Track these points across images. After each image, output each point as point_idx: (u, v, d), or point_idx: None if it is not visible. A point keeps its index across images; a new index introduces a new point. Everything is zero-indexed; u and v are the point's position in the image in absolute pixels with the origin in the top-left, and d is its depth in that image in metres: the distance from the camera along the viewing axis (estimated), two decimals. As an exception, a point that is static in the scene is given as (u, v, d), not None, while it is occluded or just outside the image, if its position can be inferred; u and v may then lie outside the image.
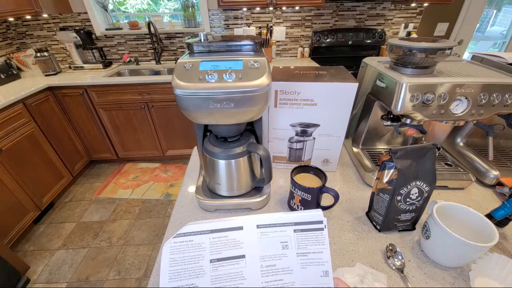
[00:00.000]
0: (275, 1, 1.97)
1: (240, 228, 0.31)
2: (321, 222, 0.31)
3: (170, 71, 2.38)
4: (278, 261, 0.30)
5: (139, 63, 2.50)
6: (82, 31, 2.21)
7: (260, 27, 2.34)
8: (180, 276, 0.29)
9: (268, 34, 2.22)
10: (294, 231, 0.31)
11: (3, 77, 1.97)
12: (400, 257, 0.52)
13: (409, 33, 2.43)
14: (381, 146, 0.86)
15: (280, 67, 0.78)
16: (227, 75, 0.49)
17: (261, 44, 0.60)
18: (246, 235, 0.31)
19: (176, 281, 0.29)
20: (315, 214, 0.31)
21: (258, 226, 0.31)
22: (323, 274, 0.30)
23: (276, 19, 2.37)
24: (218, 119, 0.53)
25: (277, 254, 0.30)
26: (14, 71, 2.07)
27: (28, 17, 2.24)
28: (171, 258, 0.29)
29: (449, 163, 0.76)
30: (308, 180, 0.62)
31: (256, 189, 0.68)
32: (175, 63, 0.58)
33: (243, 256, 0.30)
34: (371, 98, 0.75)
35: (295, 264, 0.30)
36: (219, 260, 0.30)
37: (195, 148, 0.94)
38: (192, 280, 0.29)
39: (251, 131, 0.68)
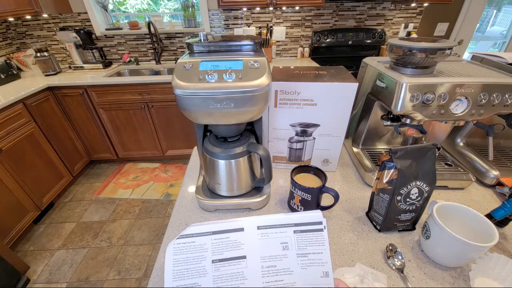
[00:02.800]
0: (275, 1, 1.97)
1: (241, 229, 0.31)
2: (320, 223, 0.31)
3: (170, 71, 2.38)
4: (279, 261, 0.30)
5: (139, 63, 2.50)
6: (82, 31, 2.21)
7: (260, 27, 2.34)
8: (183, 275, 0.30)
9: (268, 34, 2.22)
10: (294, 232, 0.31)
11: (3, 77, 1.97)
12: (400, 257, 0.52)
13: (409, 33, 2.43)
14: (381, 146, 0.86)
15: (280, 67, 0.78)
16: (227, 75, 0.49)
17: (261, 44, 0.60)
18: (247, 236, 0.31)
19: (179, 280, 0.29)
20: (315, 215, 0.32)
21: (258, 227, 0.31)
22: (323, 274, 0.30)
23: (276, 19, 2.37)
24: (218, 119, 0.53)
25: (277, 255, 0.30)
26: (14, 71, 2.07)
27: (28, 17, 2.24)
28: (175, 259, 0.30)
29: (449, 163, 0.76)
30: (308, 180, 0.62)
31: (256, 189, 0.68)
32: (175, 63, 0.58)
33: (244, 257, 0.30)
34: (371, 98, 0.75)
35: (296, 265, 0.30)
36: (220, 260, 0.30)
37: (195, 148, 0.94)
38: (195, 280, 0.30)
39: (251, 131, 0.68)
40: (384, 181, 0.53)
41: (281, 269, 0.30)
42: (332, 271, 0.30)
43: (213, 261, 0.30)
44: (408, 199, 0.53)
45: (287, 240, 0.31)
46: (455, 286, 0.48)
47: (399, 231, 0.59)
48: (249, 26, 2.40)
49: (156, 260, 0.54)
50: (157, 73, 2.41)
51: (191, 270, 0.30)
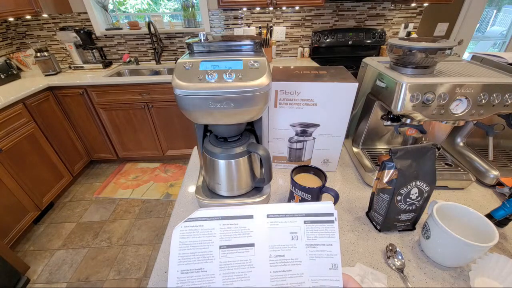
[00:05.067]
0: (275, 1, 1.97)
1: (251, 216, 0.31)
2: (331, 214, 0.31)
3: (170, 71, 2.38)
4: (287, 251, 0.30)
5: (139, 63, 2.50)
6: (82, 31, 2.21)
7: (260, 27, 2.34)
8: (189, 259, 0.29)
9: (268, 34, 2.22)
10: (304, 222, 0.31)
11: (3, 77, 1.97)
12: (400, 257, 0.52)
13: (409, 33, 2.43)
14: (381, 146, 0.86)
15: (280, 67, 0.78)
16: (227, 75, 0.49)
17: (261, 44, 0.60)
18: (256, 224, 0.30)
19: (185, 265, 0.29)
20: (326, 206, 0.31)
21: (268, 216, 0.31)
22: (332, 266, 0.29)
23: (276, 19, 2.37)
24: (218, 119, 0.53)
25: (286, 244, 0.30)
26: (14, 71, 2.07)
27: (28, 17, 2.24)
28: (181, 242, 0.30)
29: (449, 163, 0.76)
30: (308, 180, 0.62)
31: (256, 189, 0.68)
32: (175, 63, 0.58)
33: (252, 245, 0.30)
34: (371, 98, 0.75)
35: (304, 255, 0.29)
36: (228, 247, 0.30)
37: (195, 148, 0.94)
38: (201, 265, 0.29)
39: (251, 131, 0.68)
40: (384, 181, 0.53)
41: (290, 259, 0.29)
42: (341, 264, 0.30)
43: (220, 247, 0.30)
44: (408, 199, 0.53)
45: (297, 230, 0.30)
46: (455, 286, 0.48)
47: (399, 231, 0.59)
48: (249, 26, 2.40)
49: (156, 260, 0.54)
50: (157, 73, 2.41)
51: (198, 255, 0.29)
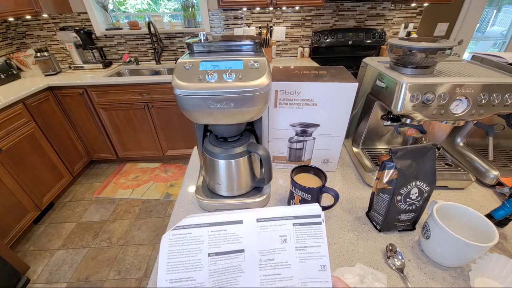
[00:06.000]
0: (275, 1, 1.97)
1: (240, 222, 0.31)
2: (319, 216, 0.31)
3: (170, 71, 2.38)
4: (277, 255, 0.30)
5: (139, 63, 2.50)
6: (82, 31, 2.21)
7: (260, 27, 2.34)
8: (178, 268, 0.29)
9: (268, 34, 2.22)
10: (293, 225, 0.31)
11: (3, 77, 1.97)
12: (400, 257, 0.52)
13: (409, 33, 2.43)
14: (381, 146, 0.86)
15: (280, 67, 0.78)
16: (227, 75, 0.49)
17: (261, 44, 0.60)
18: (245, 229, 0.30)
19: (173, 274, 0.28)
20: (313, 208, 0.31)
21: (258, 220, 0.31)
22: (321, 268, 0.29)
23: (276, 19, 2.37)
24: (218, 119, 0.53)
25: (276, 248, 0.30)
26: (14, 71, 2.07)
27: (28, 17, 2.24)
28: (170, 250, 0.29)
29: (449, 163, 0.76)
30: (308, 180, 0.62)
31: (256, 189, 0.68)
32: (175, 63, 0.58)
33: (242, 251, 0.30)
34: (371, 98, 0.75)
35: (294, 258, 0.30)
36: (217, 254, 0.29)
37: (195, 148, 0.94)
38: (190, 274, 0.29)
39: (251, 131, 0.68)
40: (384, 181, 0.53)
41: (279, 262, 0.29)
42: (330, 265, 0.30)
43: (209, 254, 0.29)
44: (408, 199, 0.53)
45: (286, 233, 0.30)
46: (455, 286, 0.48)
47: (399, 231, 0.59)
48: (249, 26, 2.40)
49: (156, 260, 0.54)
50: (157, 73, 2.41)
51: (186, 263, 0.29)
